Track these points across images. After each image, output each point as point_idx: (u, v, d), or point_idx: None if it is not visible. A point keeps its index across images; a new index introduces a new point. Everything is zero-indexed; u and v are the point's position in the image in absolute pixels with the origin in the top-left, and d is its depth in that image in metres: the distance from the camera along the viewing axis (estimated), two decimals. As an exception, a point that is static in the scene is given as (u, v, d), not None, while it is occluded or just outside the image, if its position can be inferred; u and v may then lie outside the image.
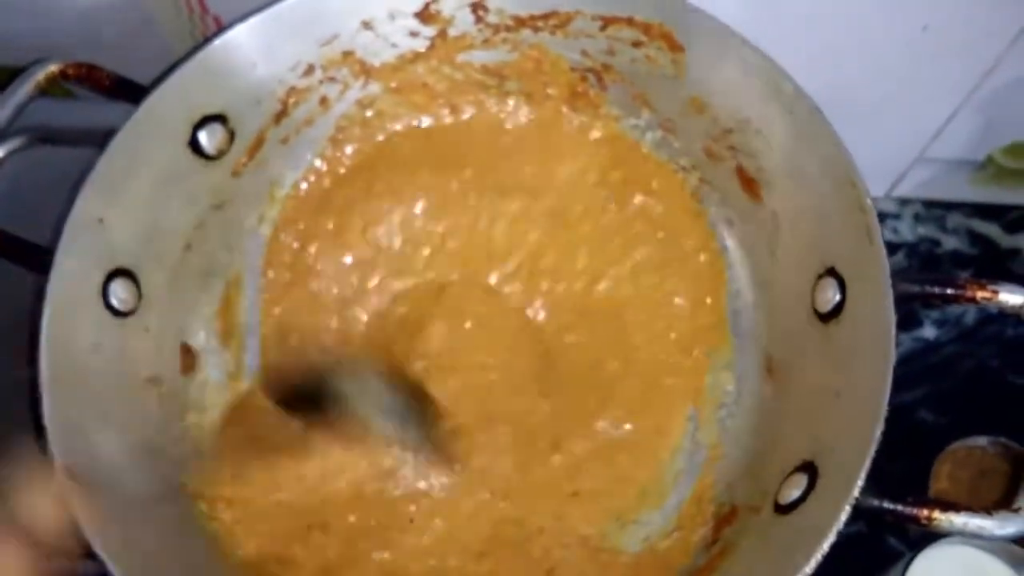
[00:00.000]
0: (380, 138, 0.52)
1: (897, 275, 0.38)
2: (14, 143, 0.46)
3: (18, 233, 0.41)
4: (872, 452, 0.35)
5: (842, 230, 0.41)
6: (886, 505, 0.35)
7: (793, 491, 0.38)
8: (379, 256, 0.50)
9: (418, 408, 0.46)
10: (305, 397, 0.44)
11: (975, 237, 0.63)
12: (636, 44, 0.47)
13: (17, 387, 0.37)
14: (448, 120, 0.52)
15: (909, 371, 0.59)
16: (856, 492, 0.34)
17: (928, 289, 0.38)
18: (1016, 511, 0.34)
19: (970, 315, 0.61)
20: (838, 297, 0.41)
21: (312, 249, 0.50)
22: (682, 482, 0.46)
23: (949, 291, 0.38)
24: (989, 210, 0.63)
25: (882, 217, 0.63)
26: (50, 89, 0.43)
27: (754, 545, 0.39)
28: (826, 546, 0.34)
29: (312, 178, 0.51)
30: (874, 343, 0.37)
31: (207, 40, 0.43)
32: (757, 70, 0.43)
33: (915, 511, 0.34)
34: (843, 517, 0.34)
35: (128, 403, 0.42)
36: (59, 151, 0.45)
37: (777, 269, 0.46)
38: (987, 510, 0.34)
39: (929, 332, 0.60)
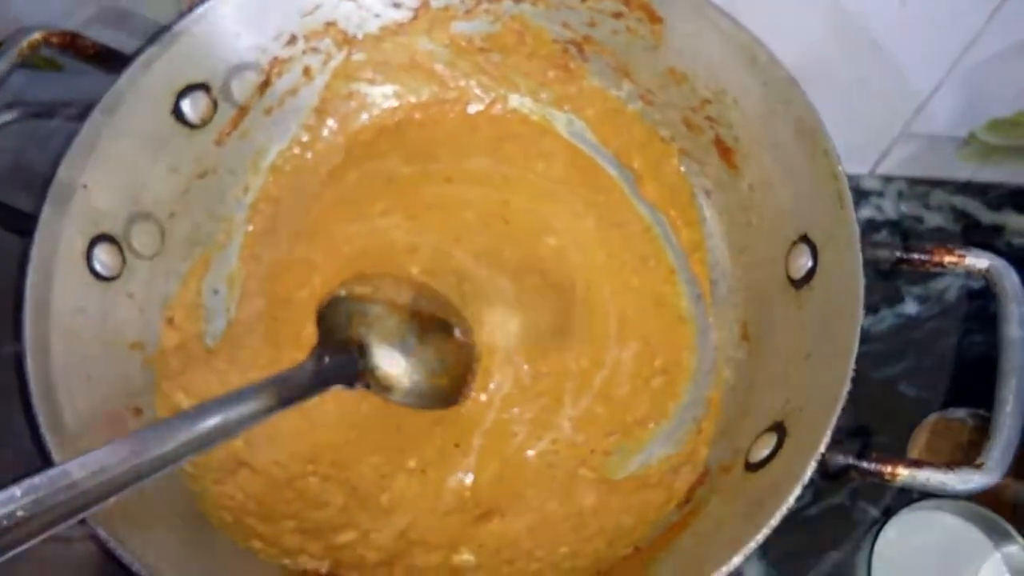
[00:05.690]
0: (363, 111, 0.52)
1: (867, 241, 0.39)
2: (5, 117, 0.46)
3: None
4: (838, 410, 0.35)
5: (815, 197, 0.41)
6: (851, 461, 0.35)
7: (763, 450, 0.39)
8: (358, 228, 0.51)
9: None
10: None
11: (958, 214, 0.63)
12: (616, 15, 0.47)
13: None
14: (430, 94, 0.53)
15: (891, 346, 0.59)
16: (821, 449, 0.35)
17: (897, 254, 0.39)
18: (978, 467, 0.34)
19: (952, 291, 0.61)
20: (810, 263, 0.42)
21: (289, 222, 0.51)
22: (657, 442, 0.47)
23: (915, 256, 0.38)
24: (972, 187, 0.64)
25: (866, 194, 0.64)
26: (35, 59, 0.43)
27: (724, 502, 0.39)
28: (790, 501, 0.34)
29: (296, 149, 0.51)
30: (843, 306, 0.38)
31: (190, 9, 0.43)
32: (732, 40, 0.44)
33: (879, 467, 0.35)
34: (807, 474, 0.35)
35: (112, 367, 0.43)
36: (51, 124, 0.46)
37: (753, 237, 0.47)
38: (949, 466, 0.34)
39: (911, 308, 0.60)
